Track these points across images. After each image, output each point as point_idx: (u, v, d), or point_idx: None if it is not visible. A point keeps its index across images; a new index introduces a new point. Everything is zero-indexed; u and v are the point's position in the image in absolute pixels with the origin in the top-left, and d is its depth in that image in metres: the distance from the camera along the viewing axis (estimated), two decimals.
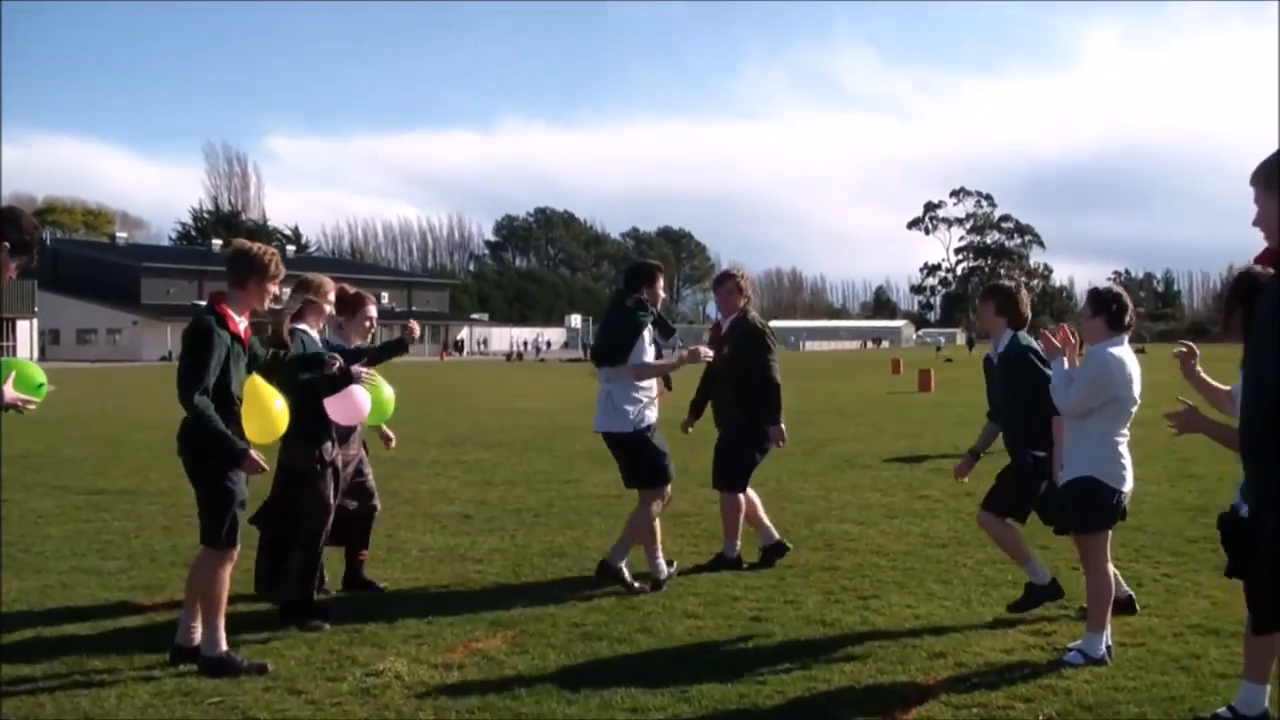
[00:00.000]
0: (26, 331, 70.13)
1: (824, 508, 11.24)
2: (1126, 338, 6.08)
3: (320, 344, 6.88)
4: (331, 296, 7.01)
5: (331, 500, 6.83)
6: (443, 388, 38.89)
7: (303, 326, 6.79)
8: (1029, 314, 7.04)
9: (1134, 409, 6.03)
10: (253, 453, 5.72)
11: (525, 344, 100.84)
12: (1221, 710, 5.04)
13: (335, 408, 6.73)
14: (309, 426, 6.61)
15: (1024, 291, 7.13)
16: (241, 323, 5.92)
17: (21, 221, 5.07)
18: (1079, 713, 5.20)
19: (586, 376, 47.77)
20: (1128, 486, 6.03)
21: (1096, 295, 6.14)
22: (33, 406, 5.10)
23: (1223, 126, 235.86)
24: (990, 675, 5.76)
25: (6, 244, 4.97)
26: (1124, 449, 6.03)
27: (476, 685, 5.62)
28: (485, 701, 5.38)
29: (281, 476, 6.82)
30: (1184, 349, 5.79)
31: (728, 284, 8.67)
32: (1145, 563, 8.44)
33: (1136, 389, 5.99)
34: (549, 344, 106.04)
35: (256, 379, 5.94)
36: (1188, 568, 8.17)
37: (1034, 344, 6.76)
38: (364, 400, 6.84)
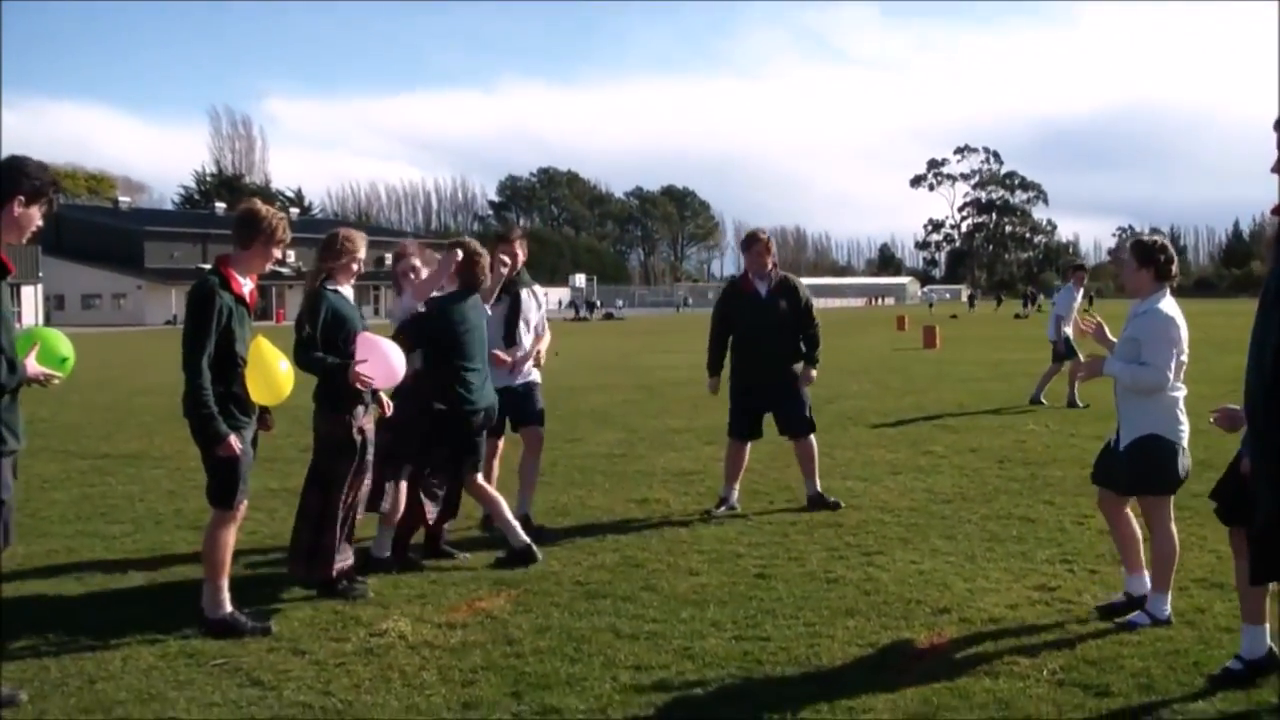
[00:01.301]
0: (31, 297, 70.09)
1: (828, 464, 11.20)
2: (1170, 288, 6.01)
3: (351, 303, 6.67)
4: (361, 253, 6.71)
5: (359, 470, 6.53)
6: None
7: (332, 286, 6.59)
8: (484, 278, 7.38)
9: (1185, 360, 5.96)
10: (231, 439, 5.65)
11: None
12: (1230, 663, 5.03)
13: (371, 369, 6.37)
14: (336, 392, 6.43)
15: (486, 258, 7.39)
16: (246, 284, 5.86)
17: (27, 168, 4.86)
18: (1083, 667, 5.19)
19: (589, 335, 47.77)
20: (1185, 441, 5.97)
21: (1142, 246, 6.00)
22: (56, 381, 4.97)
23: (1226, 82, 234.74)
24: (994, 631, 5.75)
25: (20, 196, 4.77)
26: (1182, 403, 5.98)
27: (480, 644, 5.62)
28: (489, 660, 5.38)
29: (316, 444, 6.59)
30: None
31: (757, 245, 9.03)
32: None
33: (1186, 341, 5.93)
34: (559, 303, 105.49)
35: (262, 340, 5.86)
36: (1192, 522, 8.13)
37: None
38: (399, 358, 6.54)
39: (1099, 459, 6.31)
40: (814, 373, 9.10)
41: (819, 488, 9.04)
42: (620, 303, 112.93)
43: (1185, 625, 5.77)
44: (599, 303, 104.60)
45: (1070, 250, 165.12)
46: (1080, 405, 16.07)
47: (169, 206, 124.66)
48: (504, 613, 6.18)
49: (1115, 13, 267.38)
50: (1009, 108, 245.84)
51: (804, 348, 8.99)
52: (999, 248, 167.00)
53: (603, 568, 7.15)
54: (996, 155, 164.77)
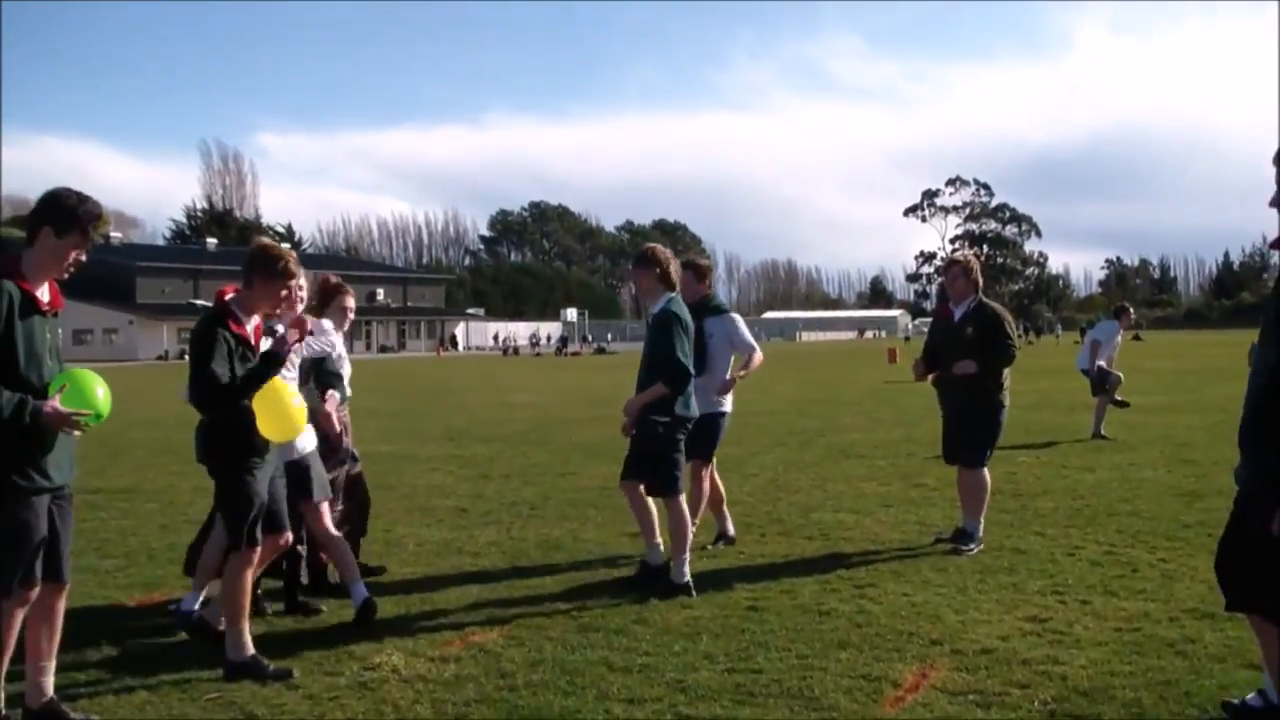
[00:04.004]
0: None
1: (820, 497, 11.25)
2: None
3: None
4: (349, 301, 6.96)
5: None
6: (439, 383, 38.86)
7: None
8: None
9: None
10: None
11: (512, 338, 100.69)
12: (1251, 697, 4.94)
13: None
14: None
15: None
16: (248, 322, 5.69)
17: (60, 200, 4.71)
18: (1075, 698, 5.20)
19: (580, 369, 47.78)
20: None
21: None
22: (87, 424, 4.69)
23: (1214, 113, 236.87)
24: (986, 662, 5.76)
25: (49, 227, 4.66)
26: None
27: (474, 678, 5.62)
28: (483, 694, 5.38)
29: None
30: None
31: (952, 269, 8.88)
32: (1141, 547, 8.45)
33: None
34: (548, 338, 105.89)
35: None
36: (1183, 552, 8.18)
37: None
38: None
39: None
40: (969, 365, 8.46)
41: (963, 524, 8.74)
42: (611, 336, 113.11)
43: (1176, 656, 5.79)
44: (588, 337, 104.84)
45: (1061, 283, 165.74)
46: (1106, 437, 15.90)
47: (161, 242, 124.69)
48: (497, 646, 6.18)
49: (1106, 43, 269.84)
50: (1000, 137, 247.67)
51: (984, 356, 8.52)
52: (990, 280, 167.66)
53: (595, 601, 7.15)
54: (987, 188, 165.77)
